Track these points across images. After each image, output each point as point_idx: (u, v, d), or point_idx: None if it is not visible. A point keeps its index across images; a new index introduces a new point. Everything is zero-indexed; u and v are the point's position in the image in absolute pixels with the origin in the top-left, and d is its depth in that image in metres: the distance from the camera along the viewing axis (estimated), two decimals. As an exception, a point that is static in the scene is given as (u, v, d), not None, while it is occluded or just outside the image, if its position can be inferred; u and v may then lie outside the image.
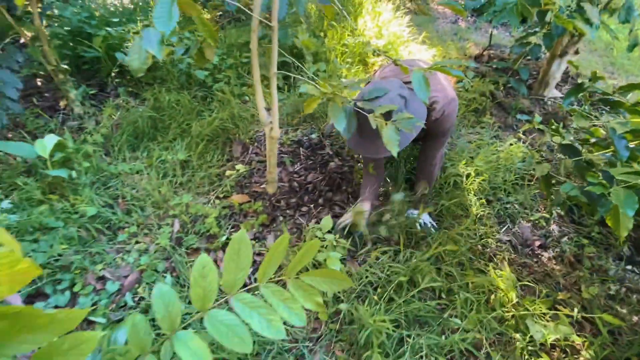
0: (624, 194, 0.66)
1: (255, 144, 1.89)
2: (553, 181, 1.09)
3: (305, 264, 0.71)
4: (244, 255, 0.67)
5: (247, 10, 0.99)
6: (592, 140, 0.93)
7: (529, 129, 1.96)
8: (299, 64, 2.19)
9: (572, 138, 0.97)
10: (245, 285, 0.68)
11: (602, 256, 1.32)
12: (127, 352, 0.63)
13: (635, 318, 1.14)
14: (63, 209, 1.41)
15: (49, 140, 1.48)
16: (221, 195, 1.62)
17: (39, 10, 1.83)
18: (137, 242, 1.40)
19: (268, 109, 1.31)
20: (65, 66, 2.07)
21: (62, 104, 2.20)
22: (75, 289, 1.17)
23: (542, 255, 1.35)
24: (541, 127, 1.16)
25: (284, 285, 0.71)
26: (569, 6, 1.41)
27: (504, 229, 1.45)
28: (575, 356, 1.06)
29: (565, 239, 1.40)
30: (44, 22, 2.10)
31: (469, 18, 3.33)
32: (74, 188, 1.51)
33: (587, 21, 1.32)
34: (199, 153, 1.74)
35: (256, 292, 0.68)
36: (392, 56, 2.44)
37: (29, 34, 1.91)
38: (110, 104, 1.99)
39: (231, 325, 0.61)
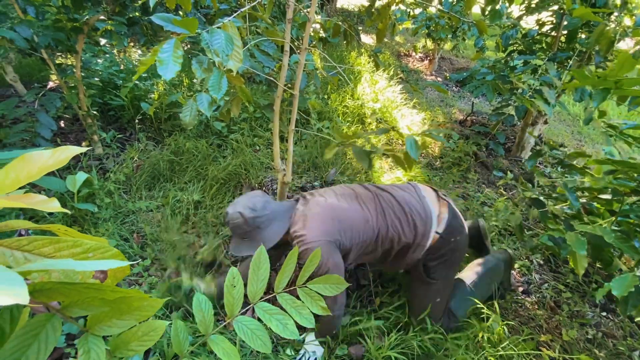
0: (575, 238, 0.83)
1: (263, 188, 2.06)
2: (527, 230, 1.27)
3: (310, 273, 0.87)
4: (264, 269, 0.82)
5: (274, 80, 1.24)
6: (554, 195, 1.12)
7: (509, 185, 2.19)
8: (306, 120, 2.47)
9: (537, 193, 1.17)
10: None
11: (578, 302, 1.45)
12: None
13: (612, 362, 1.24)
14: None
15: (80, 177, 1.63)
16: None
17: (81, 63, 2.11)
18: (149, 275, 1.48)
19: (282, 159, 1.51)
20: (95, 112, 2.31)
21: (84, 144, 2.40)
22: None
23: (526, 300, 1.47)
24: (514, 183, 1.37)
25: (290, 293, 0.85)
26: (532, 86, 1.73)
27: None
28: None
29: (545, 285, 1.53)
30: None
31: (454, 88, 3.79)
32: (95, 222, 1.63)
33: (546, 101, 1.61)
34: (212, 194, 1.89)
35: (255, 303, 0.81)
36: (387, 119, 2.76)
37: (63, 83, 2.16)
38: (136, 147, 2.18)
39: (254, 329, 0.74)
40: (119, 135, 2.34)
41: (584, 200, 0.99)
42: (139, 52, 3.65)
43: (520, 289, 1.52)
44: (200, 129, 2.37)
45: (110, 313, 0.52)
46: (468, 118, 2.82)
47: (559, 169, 1.33)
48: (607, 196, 0.94)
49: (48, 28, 1.86)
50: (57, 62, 2.38)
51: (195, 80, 2.91)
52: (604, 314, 1.43)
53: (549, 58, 1.81)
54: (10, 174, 0.43)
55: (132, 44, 3.74)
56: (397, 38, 5.28)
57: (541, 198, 1.13)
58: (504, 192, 2.12)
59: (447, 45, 4.05)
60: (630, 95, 1.13)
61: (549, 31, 2.05)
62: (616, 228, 0.88)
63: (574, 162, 1.07)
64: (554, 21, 2.01)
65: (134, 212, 1.79)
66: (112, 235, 1.58)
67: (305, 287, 0.90)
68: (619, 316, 1.42)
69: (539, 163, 2.41)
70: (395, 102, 2.88)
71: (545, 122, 2.31)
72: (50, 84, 2.91)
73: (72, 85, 2.21)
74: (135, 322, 0.54)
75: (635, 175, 0.90)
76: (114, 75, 2.79)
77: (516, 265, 1.63)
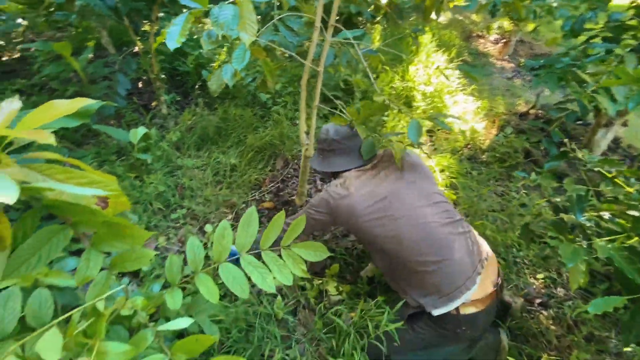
0: (570, 249, 0.76)
1: (296, 160, 2.17)
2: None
3: (294, 237, 0.94)
4: (253, 225, 0.92)
5: (299, 59, 1.28)
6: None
7: (558, 190, 1.97)
8: (350, 98, 2.46)
9: (557, 199, 1.06)
10: (250, 250, 0.92)
11: (603, 327, 1.30)
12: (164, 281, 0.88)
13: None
14: (136, 186, 1.79)
15: (140, 131, 1.90)
16: (257, 198, 1.90)
17: (155, 30, 2.37)
18: (184, 223, 1.71)
19: (307, 133, 1.57)
20: (164, 76, 2.61)
21: (153, 104, 2.73)
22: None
23: (541, 313, 1.37)
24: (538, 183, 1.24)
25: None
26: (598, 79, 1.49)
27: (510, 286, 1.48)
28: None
29: (570, 302, 1.40)
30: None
31: (526, 77, 3.38)
32: (148, 171, 1.91)
33: (612, 98, 1.38)
34: (248, 160, 2.05)
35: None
36: (437, 104, 2.61)
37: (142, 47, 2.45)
38: (191, 110, 2.43)
39: (237, 276, 0.85)
40: (178, 99, 2.60)
41: (608, 215, 0.87)
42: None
43: (538, 300, 1.41)
44: (248, 98, 2.53)
45: (109, 235, 0.67)
46: (531, 111, 2.53)
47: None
48: (636, 213, 0.81)
49: (128, -2, 2.11)
50: (143, 29, 2.70)
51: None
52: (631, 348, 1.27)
53: (632, 48, 1.52)
54: (38, 115, 0.57)
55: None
56: (474, 16, 4.79)
57: (559, 205, 1.03)
58: (548, 196, 1.91)
59: (529, 26, 3.57)
60: None
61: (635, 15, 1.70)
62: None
63: (604, 170, 0.94)
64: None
65: (181, 167, 2.03)
66: (159, 183, 1.84)
67: (289, 249, 0.99)
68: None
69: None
70: (449, 87, 2.70)
71: (624, 124, 1.98)
72: (136, 49, 3.33)
73: (147, 50, 2.51)
74: (129, 247, 0.68)
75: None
76: (185, 43, 3.07)
77: (540, 276, 1.50)
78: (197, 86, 2.76)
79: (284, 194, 1.95)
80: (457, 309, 1.00)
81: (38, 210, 0.59)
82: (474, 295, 1.01)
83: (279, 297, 1.31)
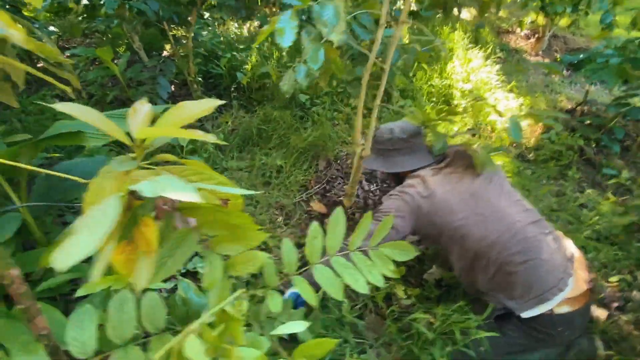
0: None
1: (338, 161, 2.14)
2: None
3: (382, 237, 0.92)
4: (340, 227, 0.91)
5: (366, 52, 1.25)
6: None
7: (618, 189, 1.89)
8: (388, 97, 2.42)
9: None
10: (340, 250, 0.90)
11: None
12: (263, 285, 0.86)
13: None
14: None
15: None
16: (305, 199, 1.88)
17: (191, 34, 2.39)
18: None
19: (362, 133, 1.54)
20: (200, 79, 2.62)
21: (189, 107, 2.75)
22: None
23: (620, 317, 1.31)
24: (630, 184, 1.18)
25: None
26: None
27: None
28: None
29: (649, 306, 1.33)
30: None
31: (565, 72, 3.28)
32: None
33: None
34: (293, 161, 2.04)
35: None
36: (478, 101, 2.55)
37: (181, 51, 2.47)
38: (233, 112, 2.43)
39: (330, 277, 0.83)
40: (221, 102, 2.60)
41: None
42: (236, 25, 3.93)
43: (615, 304, 1.35)
44: (286, 100, 2.52)
45: (229, 237, 0.65)
46: (578, 108, 2.45)
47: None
48: None
49: (170, 2, 2.13)
50: (171, 33, 2.73)
51: (284, 54, 3.04)
52: None
53: None
54: (172, 117, 0.56)
55: (231, 18, 4.05)
56: (500, 12, 4.69)
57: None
58: (611, 196, 1.83)
59: (563, 21, 3.47)
60: None
61: None
62: None
63: None
64: None
65: (226, 169, 2.03)
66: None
67: (377, 249, 0.96)
68: None
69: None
70: (489, 84, 2.64)
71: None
72: (165, 53, 3.36)
73: (184, 54, 2.53)
74: (244, 248, 0.66)
75: None
76: (216, 46, 3.09)
77: (614, 279, 1.44)
78: (232, 88, 2.76)
79: (330, 195, 1.93)
80: (551, 309, 0.95)
81: (172, 214, 0.58)
82: (568, 294, 0.96)
83: (347, 301, 1.28)
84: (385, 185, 1.99)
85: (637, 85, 1.68)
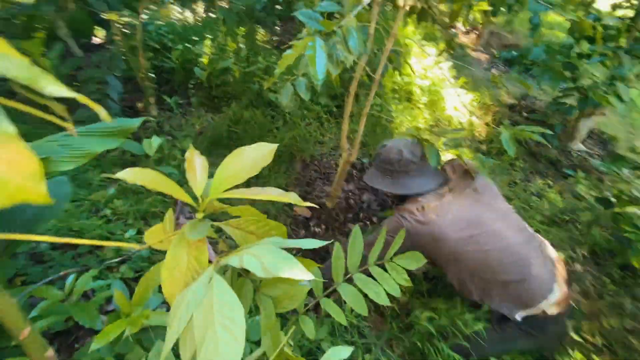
0: None
1: (315, 162, 2.15)
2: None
3: (395, 250, 0.99)
4: (358, 245, 0.95)
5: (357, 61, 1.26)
6: (624, 196, 1.17)
7: (555, 176, 2.21)
8: (356, 96, 2.47)
9: (608, 193, 1.22)
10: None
11: (620, 292, 1.53)
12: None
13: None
14: (164, 201, 1.66)
15: (155, 141, 1.74)
16: (287, 204, 1.86)
17: (140, 23, 2.14)
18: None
19: (347, 137, 1.57)
20: (152, 74, 2.38)
21: (139, 105, 2.49)
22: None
23: (571, 291, 1.57)
24: (564, 173, 1.40)
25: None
26: (601, 81, 1.69)
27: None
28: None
29: (589, 276, 1.62)
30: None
31: (502, 67, 3.65)
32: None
33: (619, 97, 1.58)
34: (269, 166, 1.99)
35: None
36: (435, 98, 2.73)
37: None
38: (196, 114, 2.27)
39: (354, 294, 0.87)
40: (167, 100, 2.40)
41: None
42: (178, 9, 3.59)
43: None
44: (251, 97, 2.42)
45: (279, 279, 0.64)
46: (520, 103, 2.77)
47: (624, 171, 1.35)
48: None
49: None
50: (105, 16, 2.40)
51: (242, 45, 2.90)
52: (644, 307, 1.52)
53: (626, 50, 1.74)
54: (233, 167, 0.52)
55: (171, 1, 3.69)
56: (441, 6, 4.98)
57: (611, 199, 1.18)
58: (551, 182, 2.14)
59: (499, 19, 3.83)
60: None
61: (626, 19, 1.94)
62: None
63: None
64: (636, 7, 1.89)
65: (198, 176, 1.91)
66: (185, 198, 1.71)
67: (392, 262, 1.02)
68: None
69: (589, 155, 2.39)
70: (444, 80, 2.83)
71: (603, 114, 2.26)
72: (97, 41, 2.96)
73: (133, 45, 2.26)
74: (290, 286, 0.66)
75: None
76: (164, 36, 2.81)
77: (562, 256, 1.70)
78: (190, 85, 2.56)
79: (312, 197, 1.94)
80: (543, 310, 1.10)
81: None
82: (555, 299, 1.10)
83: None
84: (362, 183, 2.06)
85: (570, 87, 1.96)
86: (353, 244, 0.97)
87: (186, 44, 2.71)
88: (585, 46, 2.01)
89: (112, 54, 2.15)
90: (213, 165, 1.88)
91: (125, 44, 2.25)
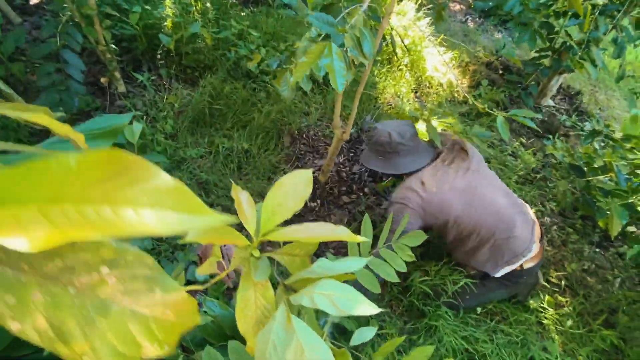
0: (620, 209, 1.05)
1: (303, 135, 2.13)
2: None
3: (400, 232, 1.10)
4: (369, 231, 1.03)
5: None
6: (595, 165, 1.31)
7: (528, 134, 2.37)
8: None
9: (579, 158, 1.35)
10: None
11: (580, 240, 1.77)
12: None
13: (599, 286, 1.62)
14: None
15: (137, 128, 1.64)
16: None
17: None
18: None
19: (341, 115, 1.56)
20: (114, 46, 2.15)
21: (103, 80, 2.28)
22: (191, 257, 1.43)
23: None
24: (554, 150, 1.53)
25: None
26: (579, 44, 1.75)
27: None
28: (561, 310, 1.52)
29: (555, 227, 1.84)
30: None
31: (477, 19, 3.61)
32: (158, 171, 1.71)
33: (593, 62, 1.67)
34: (259, 144, 1.96)
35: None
36: (416, 59, 2.70)
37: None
38: (174, 89, 2.12)
39: (368, 275, 0.97)
40: (131, 72, 2.21)
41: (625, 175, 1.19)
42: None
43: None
44: (230, 68, 2.28)
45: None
46: (497, 60, 2.81)
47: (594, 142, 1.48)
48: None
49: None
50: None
51: (208, 5, 2.64)
52: (598, 250, 1.78)
53: (599, 11, 1.79)
54: (276, 199, 0.54)
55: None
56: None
57: (583, 167, 1.32)
58: (524, 141, 2.30)
59: (474, -35, 3.68)
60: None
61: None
62: None
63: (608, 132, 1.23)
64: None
65: (184, 159, 1.86)
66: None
67: (398, 242, 1.12)
68: (609, 251, 1.78)
69: (556, 111, 2.54)
70: (424, 39, 2.78)
71: (572, 71, 2.37)
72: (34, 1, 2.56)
73: (87, 14, 2.00)
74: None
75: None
76: (118, -4, 2.48)
77: (533, 210, 1.90)
78: (158, 55, 2.35)
79: (304, 172, 1.96)
80: (521, 265, 1.27)
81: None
82: (532, 255, 1.28)
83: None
84: (352, 154, 2.10)
85: (547, 47, 2.02)
86: (364, 231, 1.04)
87: (146, 6, 2.42)
88: (562, 2, 2.03)
89: (65, 25, 1.89)
90: (199, 145, 1.87)
91: (77, 12, 1.99)
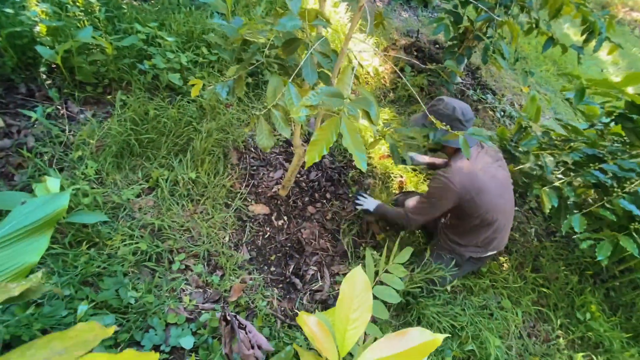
0: (548, 194, 1.35)
1: (250, 147, 2.00)
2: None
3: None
4: (371, 266, 1.08)
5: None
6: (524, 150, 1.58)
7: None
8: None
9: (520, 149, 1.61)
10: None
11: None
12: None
13: (522, 239, 2.01)
14: (97, 259, 1.35)
15: (52, 183, 1.31)
16: (241, 205, 1.75)
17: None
18: (187, 267, 1.48)
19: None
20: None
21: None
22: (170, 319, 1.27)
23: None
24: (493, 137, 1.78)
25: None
26: (489, 36, 1.99)
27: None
28: (503, 270, 1.86)
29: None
30: None
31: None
32: (97, 231, 1.42)
33: (502, 56, 1.93)
34: (206, 170, 1.76)
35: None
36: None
37: None
38: (79, 118, 1.72)
39: (377, 304, 1.04)
40: (2, 100, 1.74)
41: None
42: None
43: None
44: (147, 83, 1.94)
45: None
46: (414, 43, 3.00)
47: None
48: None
49: None
50: None
51: (92, 0, 2.15)
52: (517, 208, 2.18)
53: (499, 3, 2.03)
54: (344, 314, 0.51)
55: None
56: None
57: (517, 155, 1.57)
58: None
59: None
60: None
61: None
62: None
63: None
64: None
65: (120, 204, 1.57)
66: (130, 242, 1.43)
67: (395, 264, 1.20)
68: (524, 208, 2.20)
69: (464, 87, 2.89)
70: (345, 27, 2.78)
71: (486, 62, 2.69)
72: None
73: None
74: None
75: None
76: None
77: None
78: (43, 74, 1.85)
79: (262, 190, 1.87)
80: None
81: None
82: None
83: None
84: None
85: (460, 37, 2.23)
86: (368, 266, 1.08)
87: (3, 8, 1.85)
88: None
89: None
90: (133, 182, 1.68)
91: None
